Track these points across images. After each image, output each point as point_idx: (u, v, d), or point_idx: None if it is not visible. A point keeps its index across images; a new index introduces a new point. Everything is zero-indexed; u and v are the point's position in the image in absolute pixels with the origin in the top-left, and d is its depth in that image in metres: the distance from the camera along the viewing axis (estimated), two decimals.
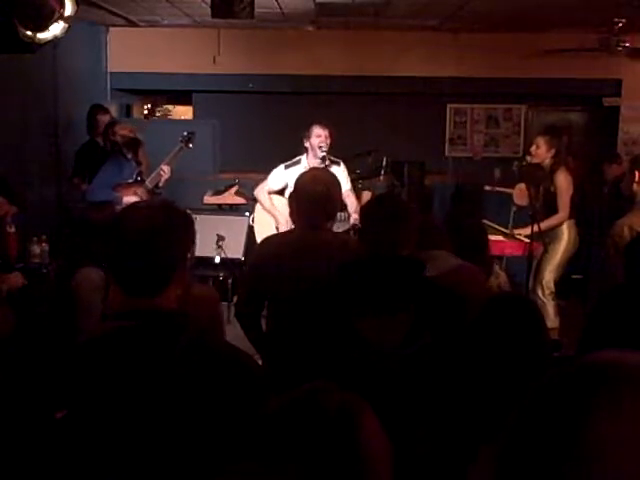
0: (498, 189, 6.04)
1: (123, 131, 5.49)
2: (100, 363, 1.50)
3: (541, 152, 5.34)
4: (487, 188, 6.21)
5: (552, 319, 5.28)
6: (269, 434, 1.01)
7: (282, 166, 5.27)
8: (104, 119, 5.99)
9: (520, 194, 5.59)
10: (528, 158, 5.83)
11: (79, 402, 1.48)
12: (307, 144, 5.13)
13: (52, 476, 1.45)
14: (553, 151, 5.33)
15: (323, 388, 1.07)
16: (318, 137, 5.08)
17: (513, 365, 1.85)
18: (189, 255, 1.64)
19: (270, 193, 5.36)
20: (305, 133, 5.14)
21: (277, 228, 5.14)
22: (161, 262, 1.56)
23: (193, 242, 1.66)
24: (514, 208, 5.65)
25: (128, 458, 1.44)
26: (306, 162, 5.15)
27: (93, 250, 3.22)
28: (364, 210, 2.82)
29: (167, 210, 1.63)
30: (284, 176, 5.19)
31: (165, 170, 5.26)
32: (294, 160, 5.26)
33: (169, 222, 1.59)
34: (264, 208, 5.38)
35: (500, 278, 5.22)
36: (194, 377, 1.48)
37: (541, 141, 5.36)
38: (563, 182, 5.29)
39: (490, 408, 1.80)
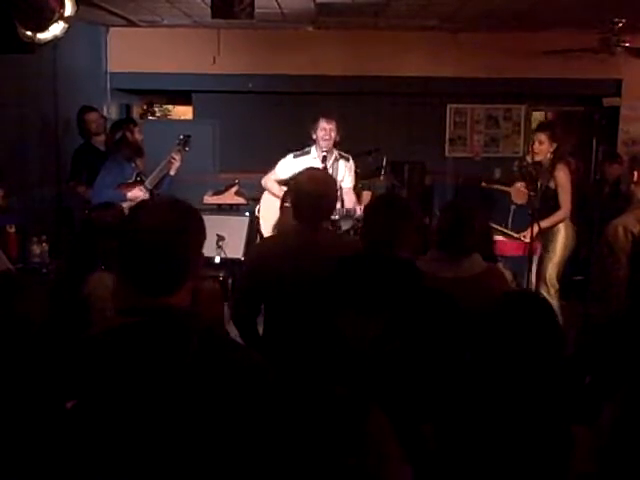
0: (495, 186, 5.97)
1: (140, 136, 5.54)
2: (112, 355, 1.49)
3: (544, 148, 5.24)
4: (483, 184, 6.12)
5: None
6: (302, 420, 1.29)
7: (291, 155, 5.30)
8: (91, 117, 5.99)
9: (518, 193, 5.51)
10: (528, 158, 5.81)
11: (89, 392, 1.48)
12: (314, 136, 5.22)
13: (61, 465, 1.46)
14: (555, 145, 5.25)
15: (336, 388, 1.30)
16: (322, 130, 5.15)
17: (529, 360, 1.86)
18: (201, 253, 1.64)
19: (278, 182, 5.38)
20: (312, 125, 5.22)
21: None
22: (177, 262, 1.55)
23: (204, 239, 1.66)
24: (513, 207, 5.61)
25: (136, 449, 1.44)
26: (315, 153, 5.22)
27: (104, 253, 3.08)
28: (366, 209, 2.83)
29: (180, 209, 1.61)
30: (292, 165, 5.16)
31: (176, 157, 5.35)
32: (304, 150, 5.29)
33: (183, 221, 1.58)
34: (273, 195, 5.39)
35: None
36: (205, 373, 1.48)
37: (543, 136, 5.26)
38: (563, 178, 5.21)
39: (506, 400, 1.83)
